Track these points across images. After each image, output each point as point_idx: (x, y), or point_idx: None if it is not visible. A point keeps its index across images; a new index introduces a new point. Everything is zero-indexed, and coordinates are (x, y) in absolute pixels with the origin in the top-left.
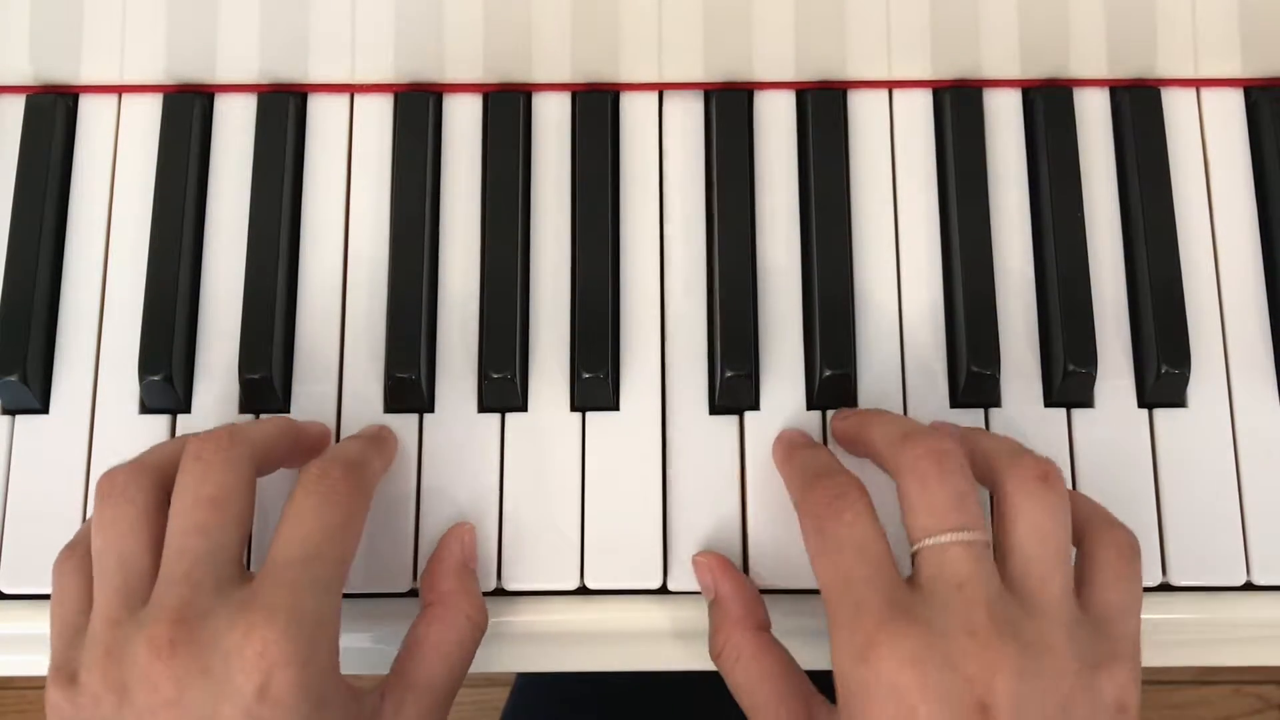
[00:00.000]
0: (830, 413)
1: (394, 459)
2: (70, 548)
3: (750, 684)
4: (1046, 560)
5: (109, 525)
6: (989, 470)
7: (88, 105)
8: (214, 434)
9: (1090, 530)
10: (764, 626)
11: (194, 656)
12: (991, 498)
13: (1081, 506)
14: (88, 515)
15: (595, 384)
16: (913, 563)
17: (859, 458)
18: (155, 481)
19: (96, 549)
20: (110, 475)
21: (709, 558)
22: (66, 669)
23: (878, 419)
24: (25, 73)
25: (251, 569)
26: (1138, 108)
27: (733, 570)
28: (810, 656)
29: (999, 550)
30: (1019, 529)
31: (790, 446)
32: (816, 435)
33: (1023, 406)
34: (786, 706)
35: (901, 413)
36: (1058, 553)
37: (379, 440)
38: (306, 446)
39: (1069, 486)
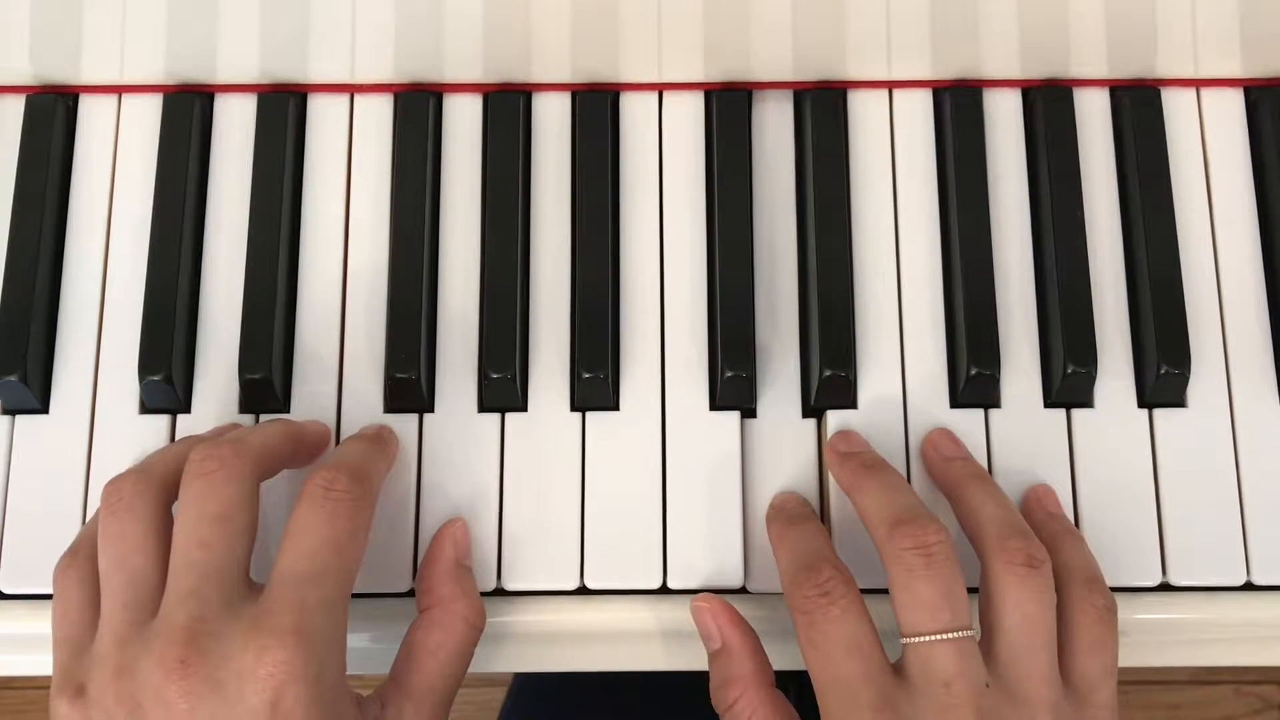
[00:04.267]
0: (828, 413)
1: (395, 459)
2: (71, 554)
3: None
4: (1033, 645)
5: (116, 539)
6: (977, 541)
7: (88, 105)
8: (217, 447)
9: (1070, 587)
10: (774, 682)
11: (205, 675)
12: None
13: (1067, 554)
14: (88, 516)
15: (595, 384)
16: (902, 652)
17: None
18: (160, 491)
19: (104, 565)
20: (116, 485)
21: (714, 604)
22: (73, 681)
23: (871, 486)
24: (25, 73)
25: (254, 568)
26: (1138, 108)
27: (740, 620)
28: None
29: (986, 627)
30: (1005, 614)
31: (782, 524)
32: (815, 436)
33: (1023, 406)
34: None
35: (901, 411)
36: (1043, 636)
37: (381, 442)
38: (307, 448)
39: (1069, 486)
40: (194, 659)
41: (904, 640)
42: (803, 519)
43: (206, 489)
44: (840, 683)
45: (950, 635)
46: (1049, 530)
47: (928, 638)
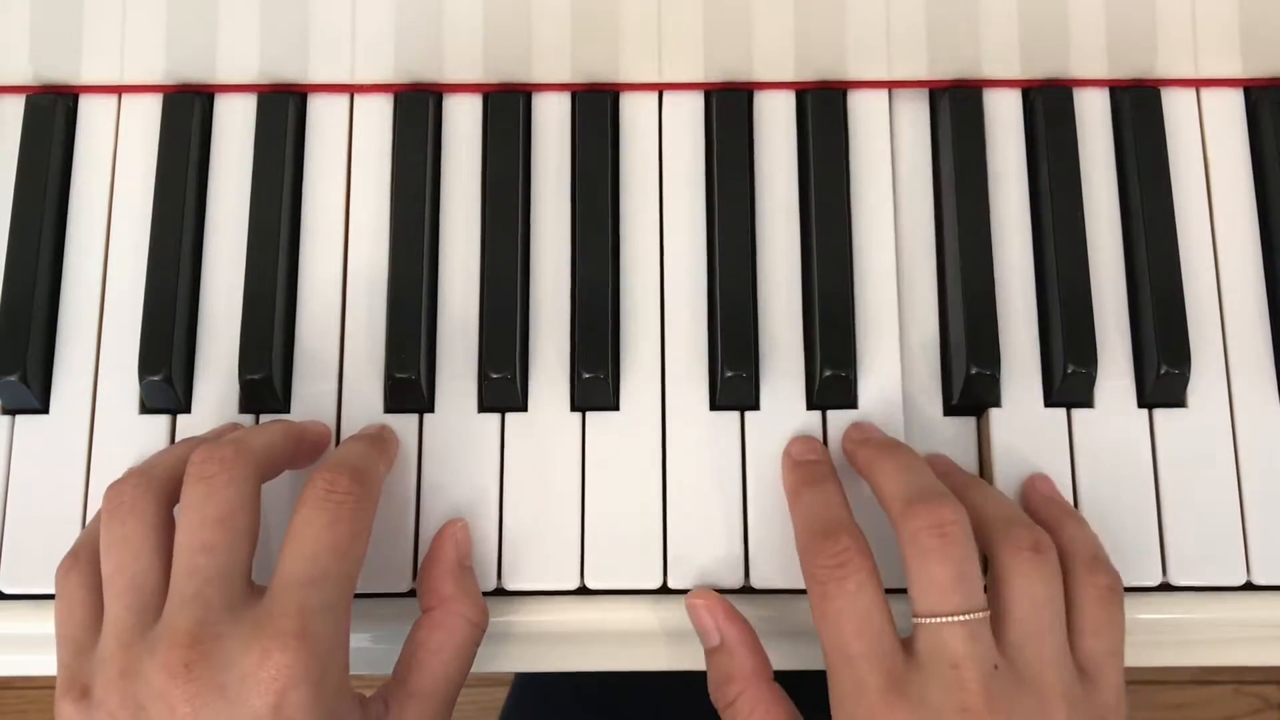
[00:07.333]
0: (831, 414)
1: (396, 459)
2: (73, 556)
3: None
4: (1041, 629)
5: (119, 543)
6: (983, 536)
7: (88, 105)
8: (218, 449)
9: (1073, 569)
10: (773, 677)
11: (209, 678)
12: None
13: (1068, 535)
14: (88, 516)
15: (595, 384)
16: (914, 630)
17: None
18: (161, 494)
19: (106, 569)
20: (118, 489)
21: (710, 600)
22: (78, 683)
23: (887, 464)
24: (25, 73)
25: (255, 568)
26: (1138, 108)
27: (737, 615)
28: (810, 656)
29: (996, 614)
30: (1014, 599)
31: (800, 481)
32: (817, 436)
33: (1023, 406)
34: None
35: (902, 411)
36: (1051, 619)
37: (381, 441)
38: (308, 449)
39: (1068, 486)
40: (197, 663)
41: (916, 620)
42: (822, 478)
43: (208, 492)
44: (849, 660)
45: (961, 617)
46: (1048, 513)
47: (939, 619)
